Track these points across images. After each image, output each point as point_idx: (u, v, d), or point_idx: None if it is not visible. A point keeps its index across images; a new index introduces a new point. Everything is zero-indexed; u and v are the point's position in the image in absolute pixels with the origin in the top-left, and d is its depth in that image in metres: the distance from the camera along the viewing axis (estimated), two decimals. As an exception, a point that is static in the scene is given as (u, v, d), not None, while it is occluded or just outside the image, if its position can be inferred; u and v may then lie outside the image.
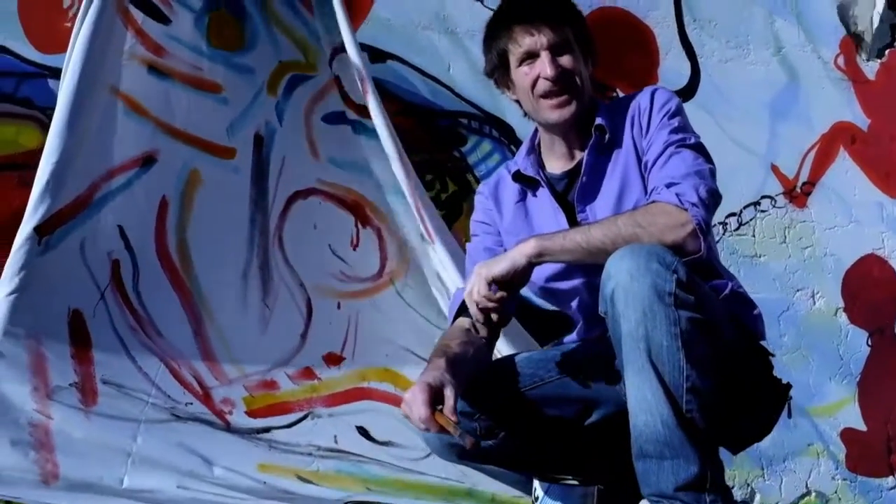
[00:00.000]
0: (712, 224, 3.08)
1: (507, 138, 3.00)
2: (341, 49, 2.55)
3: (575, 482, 1.80)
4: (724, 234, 3.27)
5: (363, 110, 2.56)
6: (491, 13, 2.11)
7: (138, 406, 2.12)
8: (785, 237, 3.35)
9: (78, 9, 2.36)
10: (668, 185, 1.83)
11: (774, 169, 3.34)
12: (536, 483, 1.78)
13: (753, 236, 3.31)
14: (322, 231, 2.47)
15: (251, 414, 2.21)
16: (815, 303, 3.35)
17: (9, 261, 2.13)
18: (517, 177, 2.08)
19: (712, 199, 1.85)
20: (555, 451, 1.95)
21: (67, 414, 2.04)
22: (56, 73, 2.50)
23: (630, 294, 1.65)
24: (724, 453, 3.00)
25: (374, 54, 2.81)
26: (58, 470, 1.94)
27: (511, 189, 2.10)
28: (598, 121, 1.99)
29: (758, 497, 3.21)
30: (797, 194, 3.36)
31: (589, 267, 1.87)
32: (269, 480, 2.05)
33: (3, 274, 2.13)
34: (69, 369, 2.11)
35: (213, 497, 1.99)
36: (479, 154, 3.00)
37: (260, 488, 2.03)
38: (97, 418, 2.06)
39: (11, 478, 1.92)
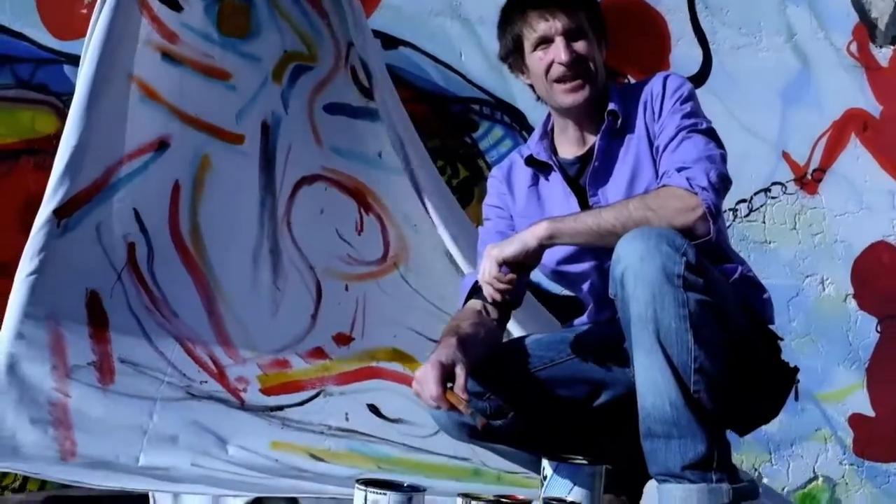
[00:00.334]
0: (723, 209, 3.16)
1: (518, 124, 3.01)
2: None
3: (584, 461, 1.82)
4: (734, 220, 3.27)
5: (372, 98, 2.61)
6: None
7: (154, 384, 2.16)
8: (795, 223, 3.35)
9: (93, -4, 2.39)
10: (679, 170, 1.85)
11: (785, 155, 3.34)
12: (545, 462, 1.80)
13: (764, 222, 3.31)
14: (328, 216, 2.52)
15: (265, 392, 2.25)
16: (824, 289, 3.36)
17: (28, 242, 2.15)
18: (530, 161, 2.10)
19: (723, 184, 1.86)
20: (564, 432, 1.98)
21: (85, 392, 2.07)
22: (72, 59, 2.52)
23: (639, 276, 1.67)
24: (732, 437, 3.07)
25: (387, 41, 2.82)
26: (76, 447, 1.98)
27: (524, 173, 2.12)
28: (612, 106, 2.00)
29: (765, 481, 3.22)
30: (808, 181, 3.36)
31: (599, 250, 1.90)
32: (282, 458, 2.09)
33: (23, 255, 2.15)
34: (87, 348, 2.14)
35: (226, 475, 2.02)
36: (491, 140, 3.01)
37: (273, 466, 2.06)
38: (114, 396, 2.09)
39: (31, 454, 1.95)
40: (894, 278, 3.44)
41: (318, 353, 2.37)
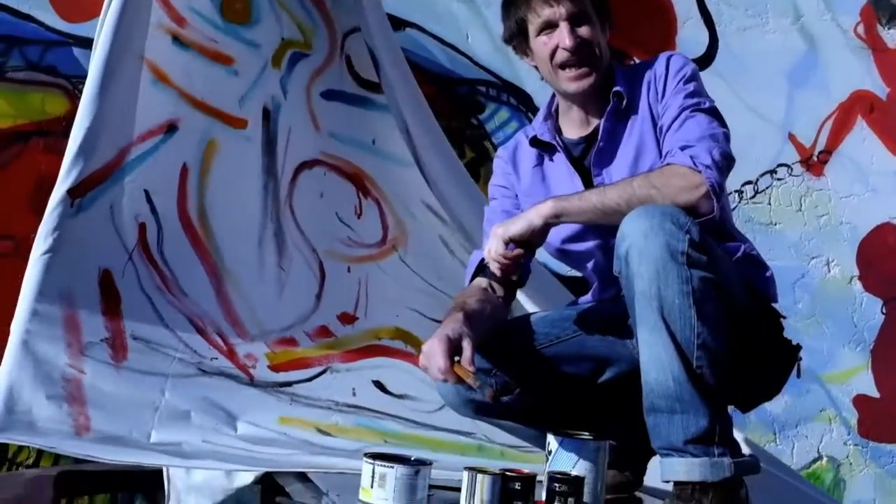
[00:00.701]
0: (729, 191, 3.18)
1: (524, 106, 3.03)
2: (354, 30, 2.63)
3: (588, 437, 1.84)
4: (740, 201, 3.29)
5: (373, 86, 2.64)
6: (510, -18, 2.13)
7: (166, 361, 2.19)
8: (801, 205, 3.36)
9: (101, -20, 2.41)
10: (683, 148, 1.86)
11: (791, 137, 3.35)
12: (550, 437, 1.83)
13: (769, 204, 3.32)
14: (328, 200, 2.56)
15: (273, 368, 2.28)
16: (829, 271, 3.37)
17: (43, 222, 2.18)
18: (534, 142, 2.11)
19: (726, 162, 1.87)
20: (569, 408, 2.01)
21: (99, 368, 2.10)
22: (81, 41, 2.54)
23: (643, 253, 1.69)
24: (737, 417, 3.09)
25: (394, 23, 2.82)
26: (89, 422, 2.01)
27: (528, 154, 2.13)
28: (617, 87, 2.01)
29: (770, 461, 3.25)
30: (814, 163, 3.37)
31: (604, 229, 1.91)
32: (290, 433, 2.12)
33: (38, 234, 2.18)
34: (100, 326, 2.17)
35: (236, 451, 2.06)
36: (497, 121, 3.02)
37: (281, 439, 2.10)
38: (127, 373, 2.12)
39: (47, 429, 1.98)
40: (899, 260, 3.46)
41: (324, 331, 2.40)
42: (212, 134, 2.43)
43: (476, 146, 2.98)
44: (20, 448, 2.44)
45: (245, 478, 2.01)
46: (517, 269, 1.90)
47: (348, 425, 2.18)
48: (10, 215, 2.50)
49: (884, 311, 3.41)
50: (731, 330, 1.73)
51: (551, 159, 2.10)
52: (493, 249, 1.87)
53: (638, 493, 2.03)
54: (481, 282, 2.01)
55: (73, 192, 2.18)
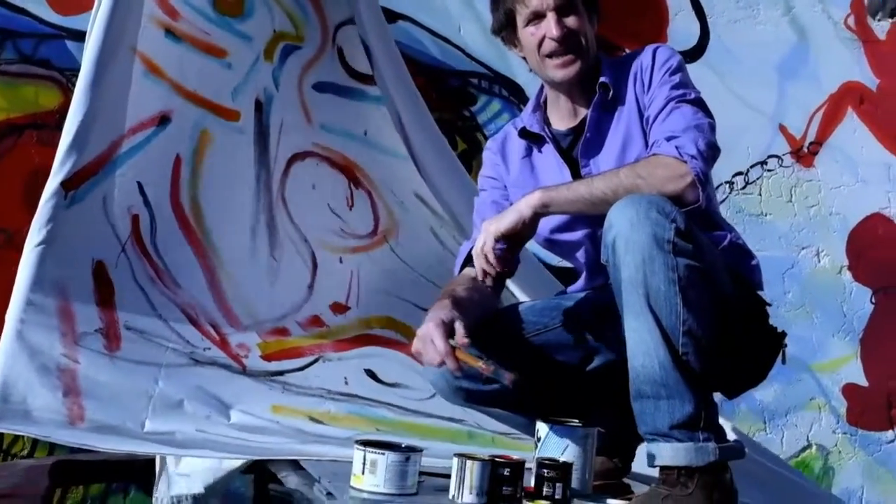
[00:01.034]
0: (720, 182, 3.20)
1: (516, 97, 3.04)
2: (347, 22, 2.64)
3: (577, 424, 1.87)
4: (731, 192, 3.31)
5: (365, 78, 2.65)
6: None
7: (159, 351, 2.20)
8: (791, 196, 3.38)
9: (93, -27, 2.42)
10: (669, 139, 1.88)
11: (782, 128, 3.37)
12: (539, 424, 1.85)
13: (760, 195, 3.35)
14: (320, 191, 2.58)
15: (266, 358, 2.30)
16: (819, 261, 3.39)
17: (37, 214, 2.19)
18: (523, 133, 2.13)
19: (711, 152, 1.89)
20: (558, 395, 2.03)
21: (93, 358, 2.11)
22: (74, 34, 2.55)
23: (630, 241, 1.71)
24: (728, 407, 3.12)
25: (386, 15, 2.83)
26: (84, 412, 2.02)
27: (518, 145, 2.15)
28: (603, 79, 2.03)
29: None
30: (804, 154, 3.39)
31: (592, 218, 1.93)
32: (283, 421, 2.14)
33: (32, 226, 2.19)
34: (94, 316, 2.18)
35: (229, 440, 2.08)
36: (489, 113, 3.04)
37: (274, 427, 2.12)
38: (121, 363, 2.14)
39: (42, 418, 1.99)
40: (889, 250, 3.48)
41: (316, 321, 2.42)
42: (204, 126, 2.44)
43: (468, 138, 3.00)
44: (15, 439, 2.46)
45: (235, 465, 2.03)
46: (507, 267, 1.91)
47: (340, 413, 2.20)
48: (3, 208, 2.52)
49: (873, 300, 3.44)
50: (717, 317, 1.75)
51: (540, 150, 2.12)
52: (483, 245, 1.89)
53: (626, 480, 2.05)
54: (470, 271, 2.03)
55: (66, 185, 2.19)
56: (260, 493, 2.17)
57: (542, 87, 2.16)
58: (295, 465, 2.01)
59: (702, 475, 1.69)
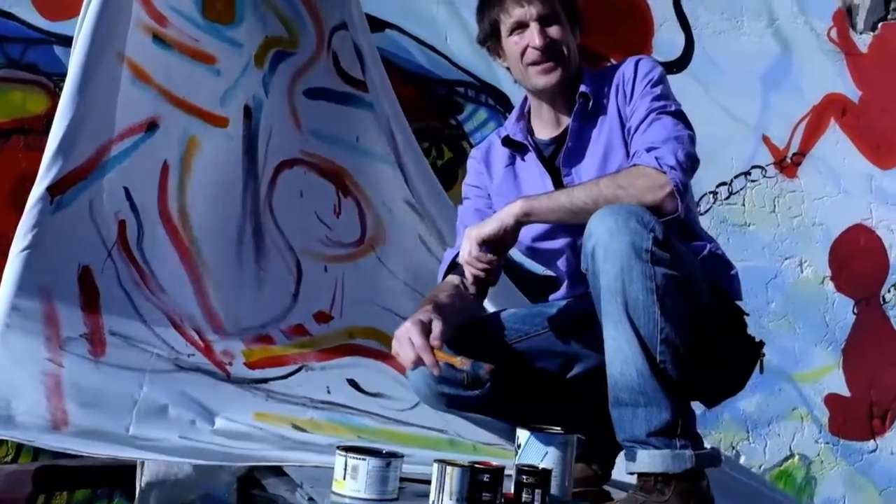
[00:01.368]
0: (703, 192, 3.23)
1: (502, 106, 3.05)
2: (340, 27, 2.65)
3: (557, 431, 1.89)
4: (714, 202, 3.32)
5: (358, 84, 2.66)
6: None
7: (144, 356, 2.19)
8: (775, 206, 3.40)
9: (82, -22, 2.44)
10: (649, 150, 1.91)
11: (765, 139, 3.39)
12: (519, 430, 1.87)
13: (743, 205, 3.36)
14: (308, 199, 2.57)
15: (250, 366, 2.30)
16: (802, 271, 3.41)
17: (22, 219, 2.19)
18: (506, 142, 2.16)
19: (690, 163, 1.92)
20: (539, 402, 2.05)
21: (77, 363, 2.10)
22: (62, 39, 2.55)
23: (609, 250, 1.73)
24: (711, 416, 3.14)
25: (373, 24, 2.84)
26: (68, 417, 2.01)
27: (501, 154, 2.18)
28: (583, 88, 2.07)
29: (742, 459, 3.30)
30: (787, 164, 3.41)
31: (573, 228, 1.96)
32: (266, 428, 2.14)
33: (17, 231, 2.18)
34: (79, 321, 2.17)
35: (213, 447, 2.08)
36: (475, 122, 3.05)
37: (257, 434, 2.12)
38: (105, 367, 2.13)
39: (25, 423, 1.97)
40: (871, 261, 3.50)
41: (300, 330, 2.42)
42: (192, 132, 2.44)
43: (454, 146, 3.01)
44: (-1, 445, 2.47)
45: (219, 471, 2.04)
46: (491, 271, 1.94)
47: (323, 421, 2.20)
48: (-9, 212, 2.52)
49: (855, 311, 3.46)
50: (695, 326, 1.78)
51: (523, 159, 2.15)
52: (467, 252, 1.91)
53: (606, 487, 2.07)
54: (453, 279, 2.06)
55: (52, 190, 2.19)
56: (243, 498, 2.17)
57: (525, 97, 2.19)
58: (278, 472, 2.02)
59: (678, 482, 1.71)
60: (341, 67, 2.66)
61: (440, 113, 2.99)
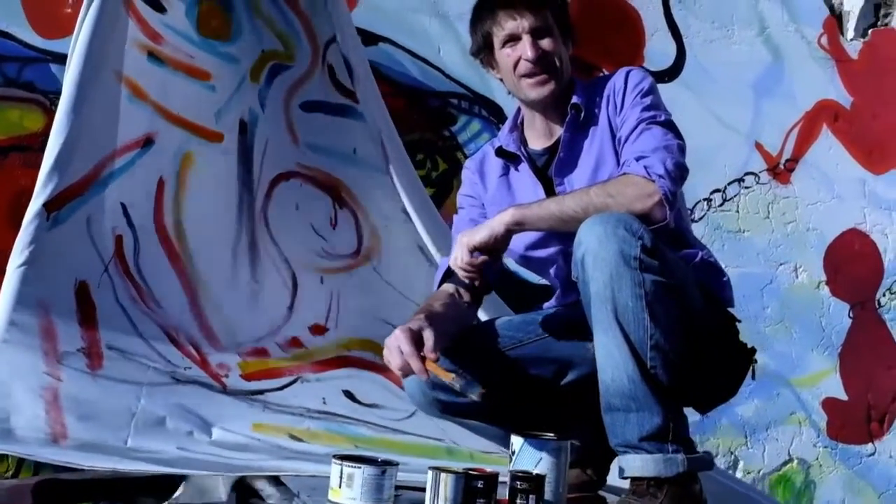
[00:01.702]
0: (697, 199, 3.25)
1: (495, 118, 3.07)
2: (333, 40, 2.68)
3: (551, 437, 1.90)
4: (708, 209, 3.34)
5: (353, 95, 2.68)
6: (479, -4, 2.21)
7: (141, 370, 2.21)
8: (768, 212, 3.42)
9: (79, -4, 2.47)
10: (638, 159, 1.93)
11: (758, 146, 3.41)
12: (514, 437, 1.89)
13: (737, 212, 3.38)
14: (303, 211, 2.60)
15: (246, 378, 2.32)
16: (797, 276, 3.43)
17: (19, 235, 2.22)
18: (500, 152, 2.18)
19: (679, 172, 1.94)
20: (534, 409, 2.07)
21: (75, 377, 2.13)
22: (58, 57, 2.57)
23: (598, 258, 1.75)
24: (709, 422, 3.15)
25: (367, 37, 2.87)
26: (66, 430, 2.04)
27: (495, 164, 2.20)
28: (575, 99, 2.09)
29: (741, 464, 3.31)
30: (780, 171, 3.44)
31: (564, 236, 1.98)
32: (263, 438, 2.16)
33: (14, 247, 2.21)
34: (76, 336, 2.20)
35: (210, 457, 2.10)
36: (469, 133, 3.07)
37: (254, 445, 2.14)
38: (103, 381, 2.15)
39: (25, 437, 2.00)
40: (866, 265, 3.52)
41: (295, 342, 2.45)
42: (188, 147, 2.47)
43: (448, 157, 3.03)
44: (0, 460, 2.48)
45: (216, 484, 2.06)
46: (482, 276, 1.96)
47: (319, 431, 2.22)
48: (-12, 229, 2.54)
49: (851, 315, 3.48)
50: (685, 331, 1.80)
51: (517, 169, 2.17)
52: (458, 257, 1.94)
53: (601, 492, 2.08)
54: (448, 287, 2.08)
55: (49, 206, 2.22)
56: (241, 508, 2.19)
57: (518, 108, 2.21)
58: (275, 481, 2.04)
59: (671, 486, 1.73)
60: (337, 79, 2.69)
61: (434, 124, 3.02)
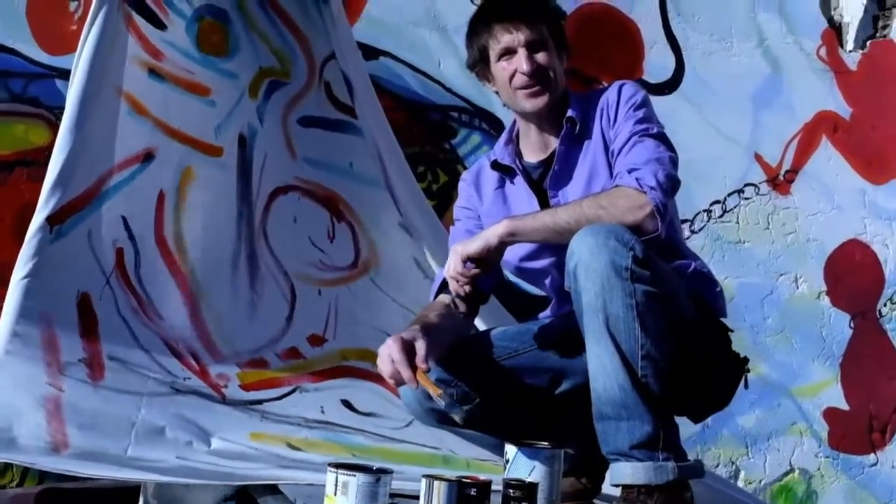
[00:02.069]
0: (697, 210, 3.26)
1: (495, 130, 3.08)
2: (331, 57, 2.72)
3: (545, 445, 1.92)
4: (708, 220, 3.35)
5: (350, 110, 2.72)
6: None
7: (141, 380, 2.24)
8: (768, 223, 3.42)
9: (83, 12, 2.51)
10: (630, 171, 1.95)
11: (758, 157, 3.42)
12: (507, 446, 1.91)
13: (737, 223, 3.38)
14: (302, 224, 2.63)
15: (245, 388, 2.35)
16: (798, 287, 3.43)
17: (23, 248, 2.25)
18: (495, 165, 2.21)
19: (670, 184, 1.96)
20: (529, 418, 2.09)
21: (77, 387, 2.16)
22: (62, 73, 2.61)
23: (590, 269, 1.78)
24: (710, 433, 3.15)
25: (367, 52, 2.90)
26: (68, 439, 2.06)
27: (491, 177, 2.23)
28: (570, 113, 2.11)
29: (742, 474, 3.31)
30: (780, 182, 3.44)
31: (558, 247, 1.99)
32: (261, 447, 2.18)
33: (18, 260, 2.25)
34: (78, 346, 2.24)
35: (209, 466, 2.12)
36: (469, 146, 3.09)
37: (253, 454, 2.16)
38: (104, 391, 2.18)
39: (27, 446, 2.02)
40: (866, 275, 3.52)
41: (294, 352, 2.48)
42: (188, 162, 2.51)
43: (449, 170, 3.05)
44: (4, 469, 2.49)
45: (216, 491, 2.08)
46: (474, 286, 1.98)
47: (317, 440, 2.24)
48: (-6, 243, 2.58)
49: (851, 325, 3.48)
50: (676, 341, 1.82)
51: (512, 182, 2.19)
52: (452, 267, 1.96)
53: (596, 501, 2.10)
54: (444, 298, 2.10)
55: (51, 220, 2.26)
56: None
57: (514, 122, 2.24)
58: (273, 490, 2.06)
59: (661, 493, 1.75)
60: (334, 95, 2.73)
61: (435, 137, 3.04)
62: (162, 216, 2.45)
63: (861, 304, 3.51)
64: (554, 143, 2.14)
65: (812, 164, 3.48)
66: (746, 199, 3.41)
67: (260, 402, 2.32)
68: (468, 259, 1.94)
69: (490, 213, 2.18)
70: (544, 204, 2.12)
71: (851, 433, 3.43)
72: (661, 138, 2.04)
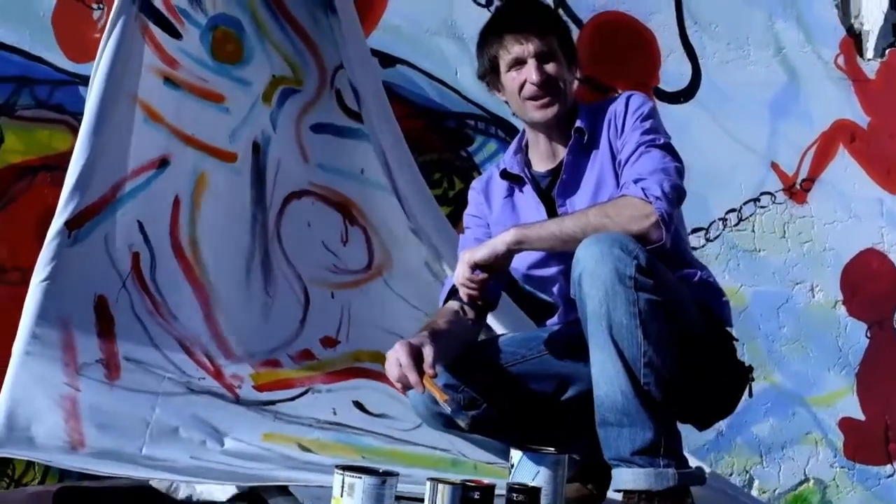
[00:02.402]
0: (713, 219, 3.26)
1: (511, 138, 3.10)
2: (341, 66, 2.77)
3: (550, 450, 1.94)
4: (724, 229, 3.35)
5: (359, 117, 2.77)
6: (489, 20, 2.27)
7: (157, 380, 2.30)
8: (785, 232, 3.42)
9: (105, 21, 2.57)
10: (636, 181, 1.97)
11: (774, 166, 3.41)
12: (512, 450, 1.93)
13: (753, 231, 3.37)
14: (315, 228, 2.68)
15: (258, 388, 2.40)
16: (814, 296, 3.42)
17: (42, 252, 2.32)
18: (504, 174, 2.24)
19: (676, 194, 1.97)
20: (536, 424, 2.11)
21: (93, 387, 2.22)
22: (85, 80, 2.66)
23: (594, 277, 1.80)
24: (724, 441, 3.15)
25: (385, 59, 2.95)
26: (84, 438, 2.12)
27: (500, 186, 2.25)
28: (578, 123, 2.14)
29: (756, 483, 3.30)
30: (797, 191, 3.43)
31: (565, 256, 2.01)
32: (273, 448, 2.22)
33: (37, 263, 2.32)
34: (95, 347, 2.30)
35: (222, 466, 2.17)
36: (486, 154, 3.11)
37: (264, 454, 2.20)
38: (120, 391, 2.24)
39: (45, 444, 2.09)
40: (883, 285, 3.50)
41: (307, 354, 2.52)
42: (202, 168, 2.56)
43: (465, 177, 3.07)
44: (26, 469, 2.55)
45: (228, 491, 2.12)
46: (483, 292, 2.01)
47: (328, 441, 2.28)
48: (18, 247, 2.60)
49: (868, 334, 3.46)
50: (679, 349, 1.83)
51: (521, 191, 2.22)
52: (460, 274, 1.99)
53: (601, 506, 2.12)
54: (453, 304, 2.13)
55: (70, 224, 2.32)
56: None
57: (523, 131, 2.27)
58: (283, 490, 2.10)
59: (662, 499, 1.77)
60: (344, 103, 2.78)
61: (451, 145, 3.06)
62: (177, 221, 2.50)
63: (878, 314, 3.49)
64: (562, 152, 2.16)
65: (829, 173, 3.47)
66: (762, 207, 3.41)
67: (273, 402, 2.37)
68: (476, 266, 1.96)
69: (499, 222, 2.21)
70: (552, 212, 2.14)
71: (867, 443, 3.41)
72: (668, 149, 2.06)
